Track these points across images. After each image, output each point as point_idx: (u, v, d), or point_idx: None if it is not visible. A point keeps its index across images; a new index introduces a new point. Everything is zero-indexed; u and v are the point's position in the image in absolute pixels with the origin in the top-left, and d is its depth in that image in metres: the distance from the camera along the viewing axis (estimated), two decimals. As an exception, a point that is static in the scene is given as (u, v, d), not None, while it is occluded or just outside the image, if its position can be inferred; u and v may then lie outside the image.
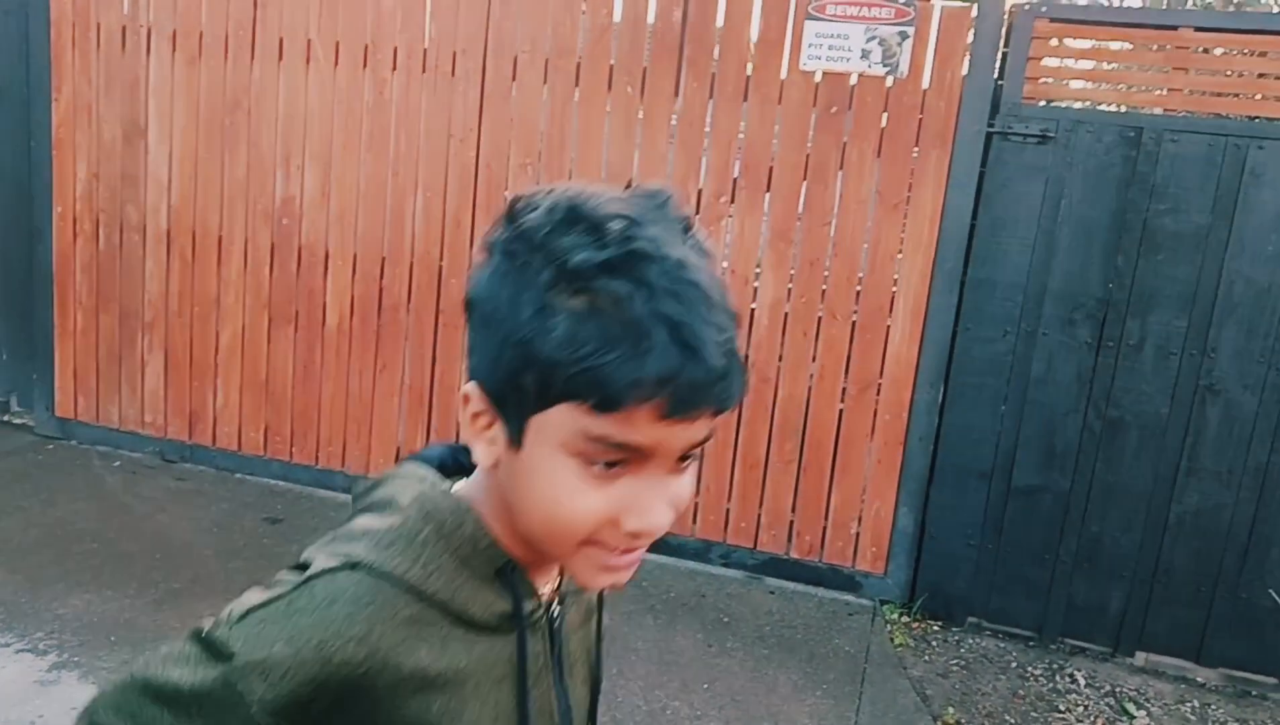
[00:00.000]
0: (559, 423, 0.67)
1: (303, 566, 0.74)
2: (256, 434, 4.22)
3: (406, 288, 3.96)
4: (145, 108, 4.14)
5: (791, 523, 3.70)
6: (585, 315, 0.65)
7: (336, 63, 3.89)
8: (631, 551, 0.72)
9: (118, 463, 4.23)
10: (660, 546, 3.75)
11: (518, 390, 0.68)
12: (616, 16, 3.59)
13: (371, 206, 3.94)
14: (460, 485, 0.80)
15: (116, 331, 4.32)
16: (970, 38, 3.31)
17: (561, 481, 0.68)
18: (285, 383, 4.15)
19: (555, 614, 0.82)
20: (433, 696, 0.74)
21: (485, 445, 0.73)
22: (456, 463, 0.84)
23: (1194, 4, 3.39)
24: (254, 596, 0.73)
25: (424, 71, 3.81)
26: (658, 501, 0.69)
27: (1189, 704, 3.17)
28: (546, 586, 0.81)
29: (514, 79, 3.73)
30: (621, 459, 0.67)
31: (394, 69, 3.84)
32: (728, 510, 3.74)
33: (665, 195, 0.71)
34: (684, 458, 0.71)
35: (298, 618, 0.69)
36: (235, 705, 0.69)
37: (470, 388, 0.73)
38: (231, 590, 3.14)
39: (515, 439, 0.70)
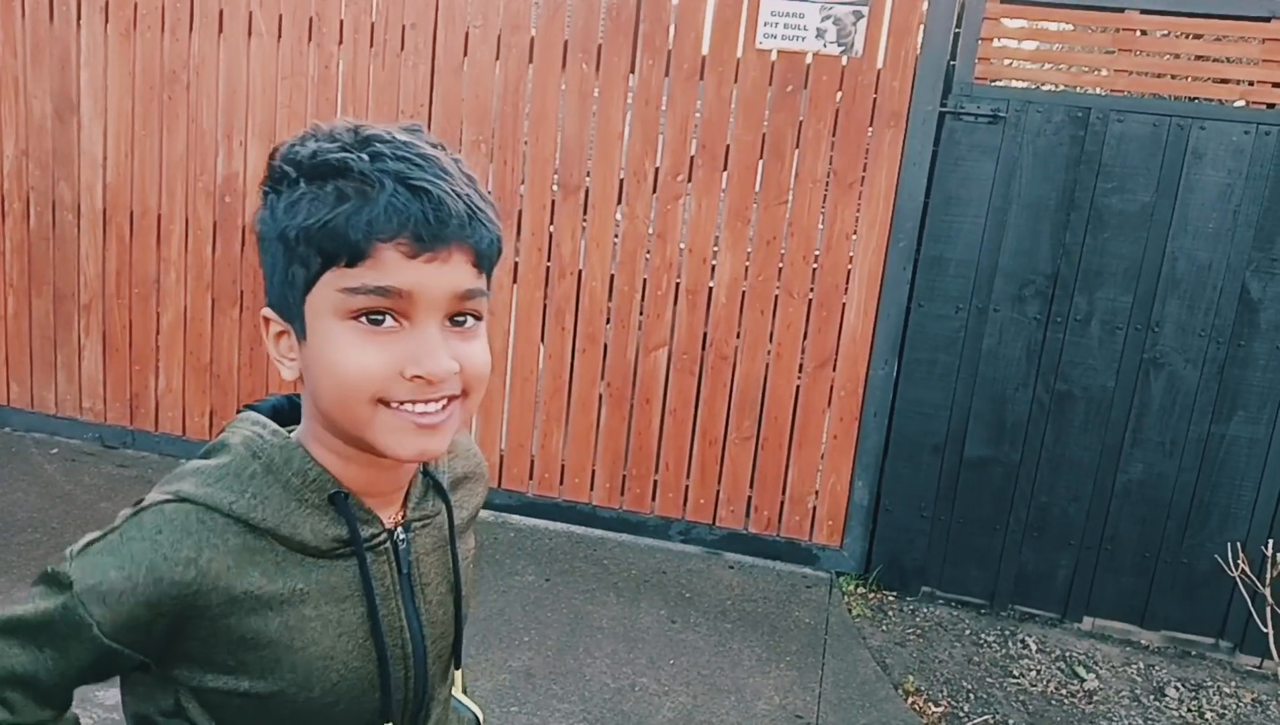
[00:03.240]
0: (324, 294, 0.75)
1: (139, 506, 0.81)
2: (201, 418, 4.11)
3: (357, 268, 3.88)
4: (77, 82, 3.97)
5: (750, 498, 3.73)
6: (321, 189, 0.74)
7: (280, 36, 3.78)
8: (426, 404, 0.77)
9: (55, 450, 4.09)
10: (620, 524, 3.77)
11: (290, 285, 0.77)
12: (571, -9, 3.54)
13: (319, 184, 3.84)
14: (296, 429, 0.87)
15: (51, 314, 4.16)
16: (924, 18, 3.34)
17: (339, 345, 0.75)
18: (230, 365, 4.05)
19: (401, 538, 0.88)
20: (270, 615, 0.80)
21: (288, 361, 0.82)
22: (294, 409, 0.91)
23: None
24: (92, 533, 0.80)
25: (371, 46, 3.72)
26: (434, 348, 0.75)
27: (1134, 665, 3.29)
28: (389, 512, 0.88)
29: (465, 54, 3.67)
30: (386, 309, 0.74)
31: (340, 43, 3.74)
32: (687, 487, 3.76)
33: (416, 125, 0.81)
34: (461, 317, 0.78)
35: (129, 545, 0.77)
36: (78, 628, 0.76)
37: (265, 311, 0.82)
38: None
39: (300, 332, 0.79)
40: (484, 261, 0.78)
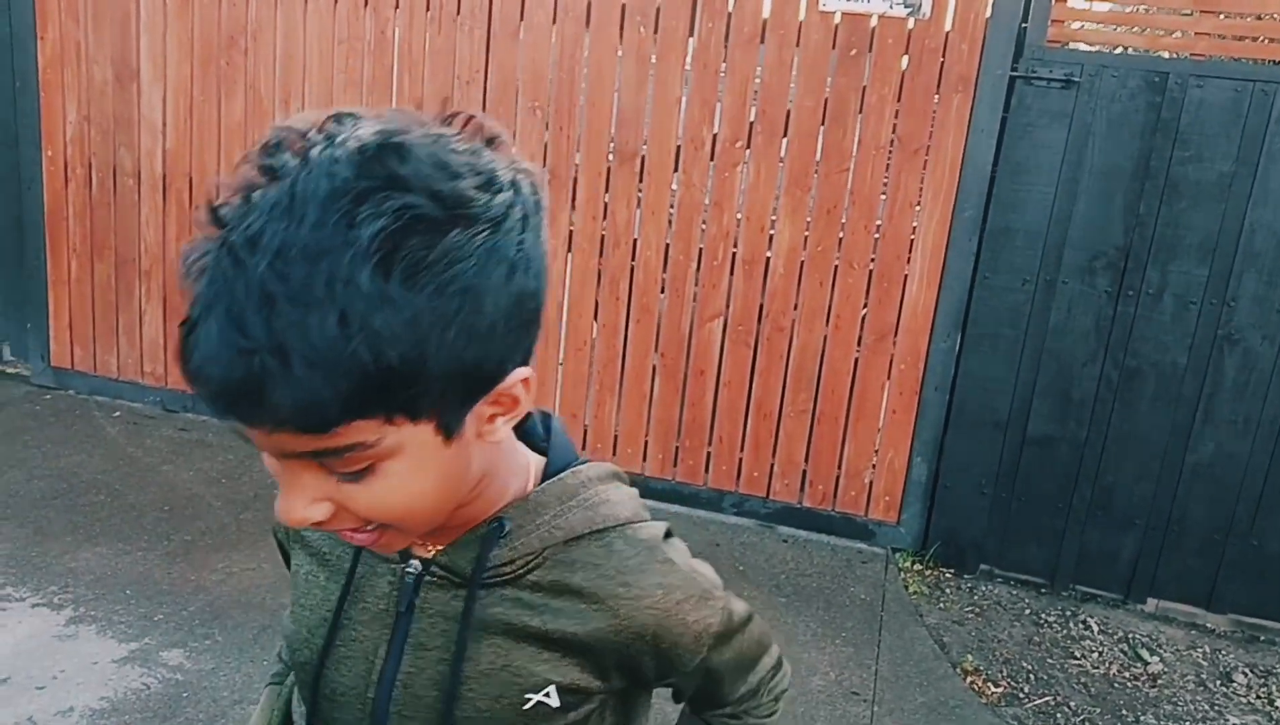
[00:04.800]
0: None
1: None
2: (259, 384, 4.14)
3: (412, 235, 3.87)
4: (137, 48, 3.99)
5: (805, 472, 3.69)
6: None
7: (336, 1, 3.76)
8: (337, 530, 0.65)
9: (118, 413, 4.16)
10: (673, 495, 3.75)
11: None
12: (630, -47, 3.47)
13: (375, 151, 3.84)
14: None
15: (113, 279, 4.22)
16: (996, -22, 3.22)
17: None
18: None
19: (412, 567, 0.76)
20: (302, 557, 0.83)
21: None
22: None
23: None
24: None
25: (428, 10, 3.69)
26: (290, 494, 0.62)
27: (1200, 649, 3.21)
28: (429, 544, 0.76)
29: (521, 19, 3.62)
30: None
31: (396, 8, 3.71)
32: (740, 460, 3.72)
33: (371, 140, 0.57)
34: (346, 468, 0.60)
35: None
36: None
37: None
38: (244, 543, 3.13)
39: None
40: (314, 425, 0.56)
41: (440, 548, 0.75)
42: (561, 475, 0.77)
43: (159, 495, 3.45)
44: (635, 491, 0.82)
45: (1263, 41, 3.14)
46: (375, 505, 0.63)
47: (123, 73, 4.03)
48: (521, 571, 0.74)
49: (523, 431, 0.79)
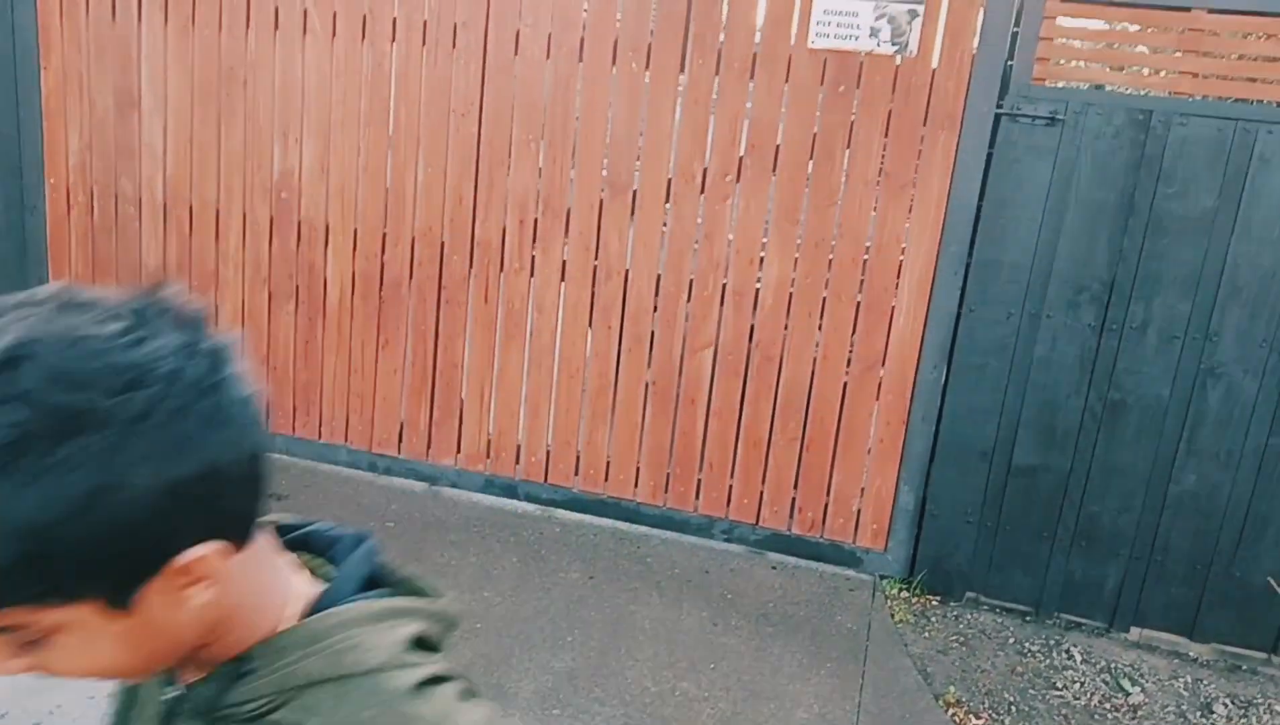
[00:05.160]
0: None
1: None
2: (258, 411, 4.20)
3: (408, 264, 3.94)
4: (138, 78, 4.06)
5: (794, 499, 3.74)
6: None
7: (334, 34, 3.82)
8: None
9: (119, 437, 4.22)
10: (664, 521, 3.81)
11: None
12: (621, -10, 3.52)
13: (372, 181, 3.90)
14: None
15: (114, 305, 4.28)
16: (980, 17, 3.27)
17: None
18: (287, 358, 4.14)
19: (170, 695, 0.77)
20: None
21: None
22: None
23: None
24: None
25: (424, 44, 3.75)
26: None
27: (1182, 679, 3.26)
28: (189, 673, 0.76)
29: (516, 53, 3.67)
30: None
31: (393, 41, 3.77)
32: (730, 487, 3.78)
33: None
34: (16, 641, 0.63)
35: None
36: None
37: None
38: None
39: None
40: None
41: (200, 676, 0.76)
42: (316, 617, 0.74)
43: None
44: (412, 631, 0.77)
45: (1245, 81, 3.17)
46: (63, 668, 0.65)
47: (124, 102, 4.09)
48: (264, 710, 0.74)
49: (329, 554, 0.82)
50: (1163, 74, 3.24)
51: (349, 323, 4.04)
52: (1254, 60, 3.14)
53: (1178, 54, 3.19)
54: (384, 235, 3.93)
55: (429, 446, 4.06)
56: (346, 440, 4.13)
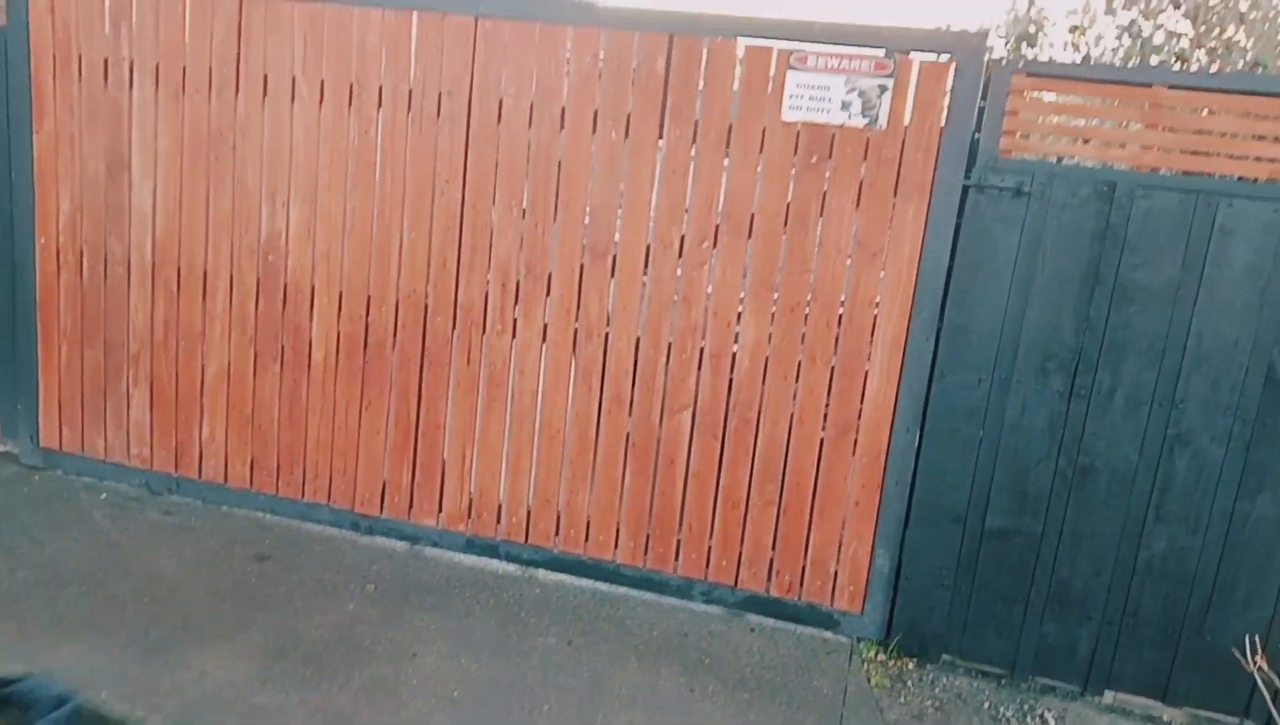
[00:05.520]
0: None
1: None
2: (243, 467, 4.25)
3: (392, 325, 4.00)
4: (129, 141, 4.14)
5: (771, 560, 3.77)
6: None
7: (321, 101, 3.91)
8: None
9: (104, 495, 4.25)
10: (644, 582, 3.84)
11: None
12: (601, 63, 3.61)
13: (357, 244, 3.97)
14: None
15: (102, 363, 4.34)
16: (948, 92, 3.36)
17: None
18: (271, 417, 4.18)
19: None
20: None
21: None
22: None
23: (1192, 59, 3.48)
24: None
25: (409, 112, 3.83)
26: None
27: (1154, 744, 3.28)
28: None
29: (499, 121, 3.76)
30: None
31: (379, 108, 3.86)
32: (709, 548, 3.81)
33: None
34: None
35: None
36: None
37: None
38: (220, 637, 3.21)
39: None
40: None
41: None
42: None
43: (140, 585, 3.54)
44: None
45: (1205, 155, 3.26)
46: None
47: (114, 165, 4.17)
48: None
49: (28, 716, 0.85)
50: (1126, 147, 3.32)
51: (333, 383, 4.09)
52: (1213, 135, 3.23)
53: (1140, 128, 3.28)
54: (369, 297, 4.00)
55: (411, 506, 4.09)
56: (329, 499, 4.16)
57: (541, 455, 3.94)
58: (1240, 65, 3.81)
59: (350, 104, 3.88)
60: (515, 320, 3.89)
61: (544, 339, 3.87)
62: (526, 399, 3.93)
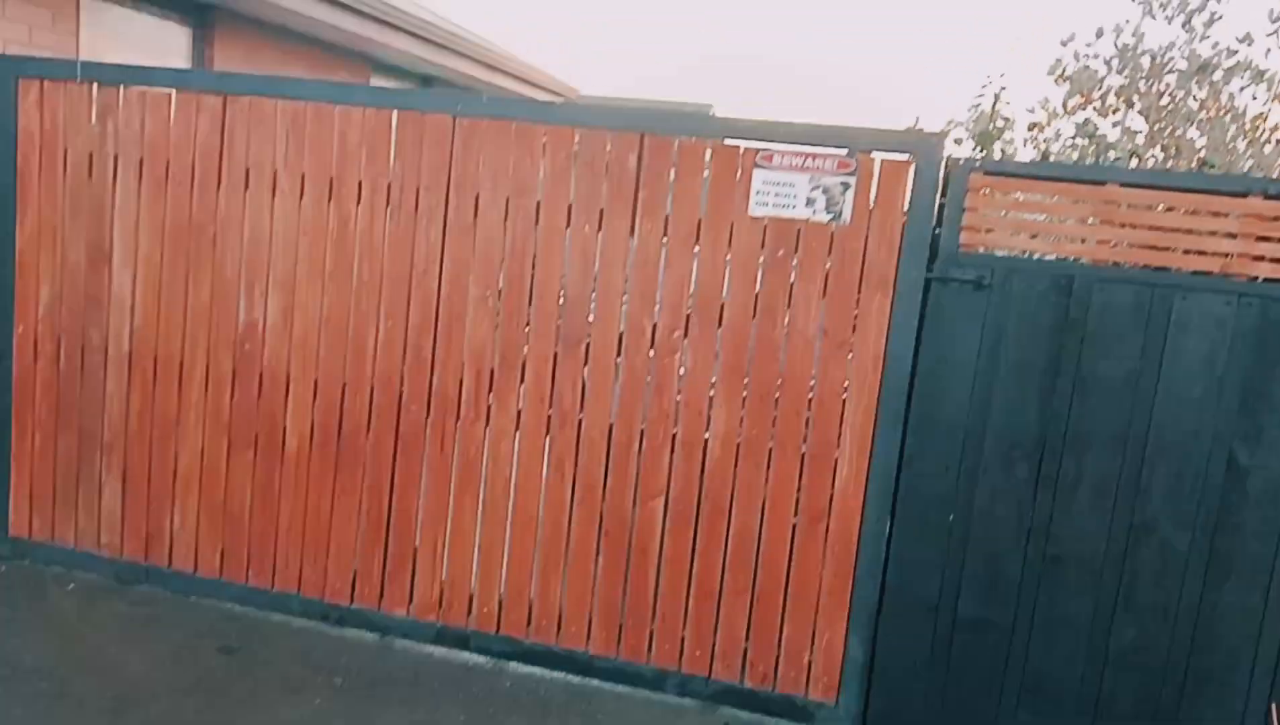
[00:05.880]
0: None
1: None
2: (213, 556, 4.22)
3: (366, 413, 4.02)
4: (110, 232, 4.21)
5: (745, 651, 3.75)
6: None
7: (302, 194, 3.99)
8: None
9: (72, 585, 4.20)
10: (617, 674, 3.80)
11: None
12: (575, 159, 3.72)
13: (333, 333, 4.02)
14: None
15: (75, 451, 4.33)
16: (909, 189, 3.47)
17: None
18: (243, 505, 4.17)
19: None
20: None
21: None
22: None
23: (1146, 156, 3.63)
24: None
25: (388, 205, 3.92)
26: None
27: (1131, 840, 3.23)
28: None
29: (476, 216, 3.85)
30: None
31: (358, 202, 3.95)
32: (683, 639, 3.79)
33: None
34: None
35: None
36: None
37: None
38: (183, 737, 3.13)
39: None
40: None
41: None
42: None
43: (105, 681, 3.48)
44: None
45: (1158, 250, 3.36)
46: None
47: (95, 255, 4.23)
48: None
49: None
50: (1083, 242, 3.43)
51: (306, 471, 4.10)
52: (1166, 231, 3.34)
53: (1095, 223, 3.39)
54: (344, 385, 4.03)
55: (382, 596, 4.06)
56: (299, 589, 4.12)
57: (514, 544, 3.93)
58: (1193, 163, 3.95)
59: (330, 197, 3.97)
60: (489, 408, 3.92)
61: (517, 426, 3.90)
62: (499, 487, 3.94)
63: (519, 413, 3.89)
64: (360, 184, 3.94)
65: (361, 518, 4.07)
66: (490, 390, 3.92)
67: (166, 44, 7.19)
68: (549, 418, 3.86)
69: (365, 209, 3.94)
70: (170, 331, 4.18)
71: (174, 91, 4.07)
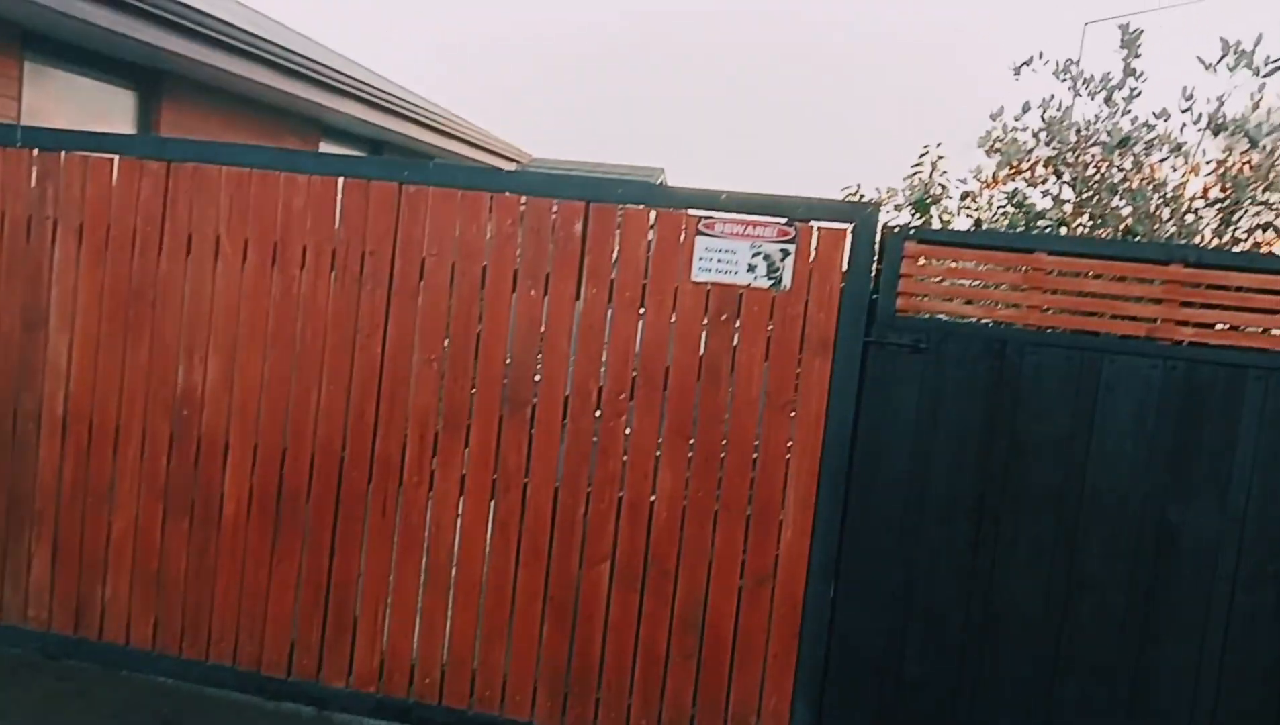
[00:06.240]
0: None
1: None
2: (146, 628, 4.09)
3: (307, 478, 3.96)
4: (47, 296, 4.14)
5: (693, 717, 3.71)
6: None
7: (244, 259, 3.98)
8: None
9: (-6, 661, 4.04)
10: (561, 745, 3.72)
11: None
12: (521, 226, 3.76)
13: (274, 398, 3.97)
14: None
15: (3, 522, 4.20)
16: (847, 256, 3.56)
17: None
18: (178, 574, 4.06)
19: None
20: None
21: None
22: None
23: (1074, 224, 3.77)
24: None
25: (332, 270, 3.92)
26: None
27: None
28: None
29: (421, 280, 3.86)
30: None
31: (302, 267, 3.94)
32: (629, 706, 3.74)
33: None
34: None
35: None
36: None
37: None
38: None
39: None
40: None
41: None
42: None
43: (23, 761, 3.34)
44: None
45: (1089, 315, 3.47)
46: None
47: (32, 320, 4.15)
48: None
49: None
50: (1015, 307, 3.53)
51: (243, 539, 4.01)
52: (1094, 296, 3.45)
53: (1025, 289, 3.50)
54: (284, 451, 3.97)
55: (320, 667, 3.96)
56: (235, 661, 4.01)
57: (457, 611, 3.87)
58: (1118, 231, 4.10)
59: (273, 262, 3.96)
60: (433, 472, 3.89)
61: (461, 491, 3.87)
62: (443, 552, 3.89)
63: (463, 477, 3.87)
64: (305, 248, 3.94)
65: (300, 586, 3.98)
66: (434, 454, 3.89)
67: (112, 109, 7.19)
68: (494, 481, 3.84)
69: (309, 273, 3.93)
70: (106, 397, 4.10)
71: (116, 157, 4.05)
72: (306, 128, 9.59)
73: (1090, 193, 4.32)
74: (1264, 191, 3.84)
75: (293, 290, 3.95)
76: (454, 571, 3.87)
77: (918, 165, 4.93)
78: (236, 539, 4.02)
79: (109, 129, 6.97)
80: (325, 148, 10.01)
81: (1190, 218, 4.00)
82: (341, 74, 8.78)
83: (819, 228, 3.57)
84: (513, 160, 13.86)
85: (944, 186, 4.86)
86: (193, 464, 4.04)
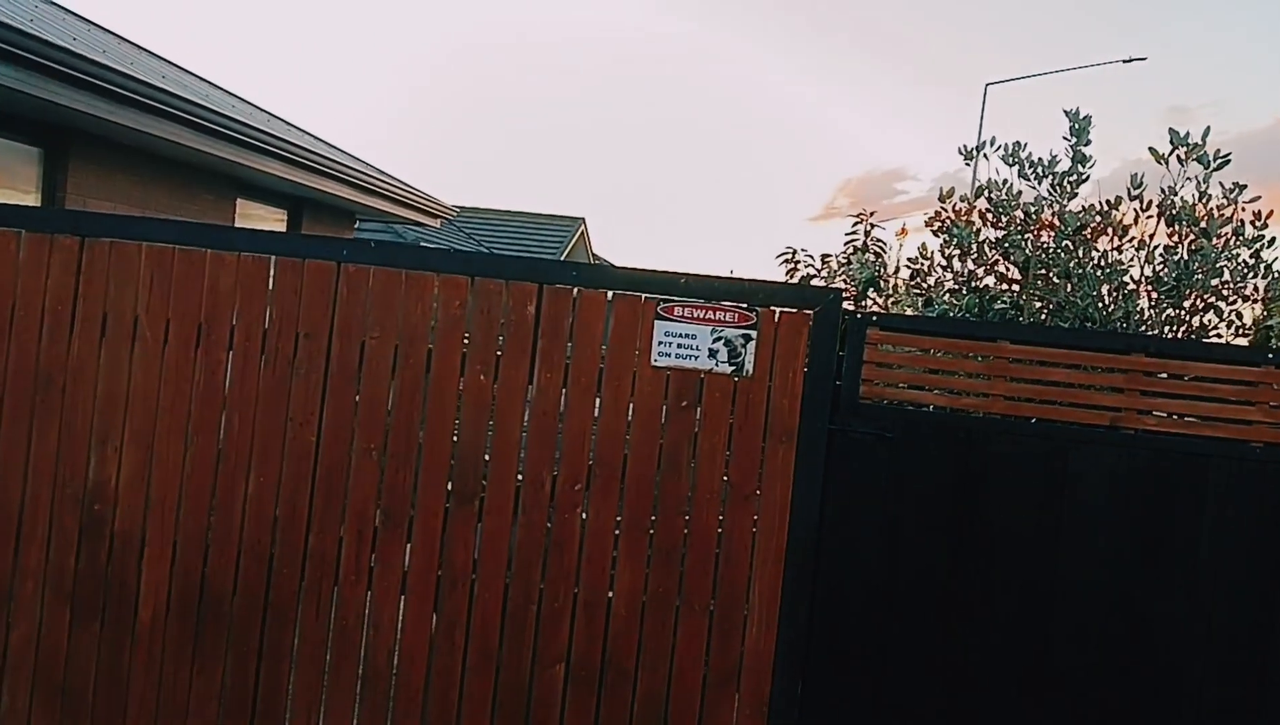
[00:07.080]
0: None
1: None
2: (47, 747, 3.69)
3: (232, 578, 3.66)
4: (-60, 380, 3.77)
5: (653, 830, 3.49)
6: None
7: (165, 341, 3.69)
8: None
9: None
10: None
11: None
12: (470, 309, 3.58)
13: (197, 491, 3.67)
14: None
15: (-119, 631, 3.76)
16: (809, 342, 3.47)
17: None
18: (86, 686, 3.69)
19: None
20: None
21: None
22: None
23: (1027, 309, 3.76)
24: None
25: (262, 353, 3.66)
26: None
27: None
28: None
29: (360, 364, 3.63)
30: None
31: (229, 350, 3.67)
32: (585, 820, 3.51)
33: None
34: None
35: None
36: None
37: None
38: None
39: None
40: None
41: None
42: None
43: None
44: None
45: (1049, 404, 3.44)
46: None
47: (-79, 406, 3.77)
48: None
49: None
50: (980, 395, 3.48)
51: (160, 645, 3.67)
52: (1054, 386, 3.43)
53: (988, 378, 3.45)
54: (207, 548, 3.66)
55: (246, 788, 3.62)
56: (149, 783, 3.64)
57: (397, 720, 3.59)
58: (1073, 318, 4.12)
59: (198, 345, 3.68)
60: (371, 569, 3.63)
61: (403, 589, 3.62)
62: (381, 657, 3.62)
63: (405, 574, 3.62)
64: (233, 330, 3.67)
65: (224, 697, 3.65)
66: (373, 550, 3.63)
67: (14, 169, 6.77)
68: (438, 579, 3.60)
69: (238, 356, 3.67)
70: (8, 491, 3.74)
71: (23, 232, 3.74)
72: (223, 185, 9.23)
73: (1040, 276, 4.33)
74: (1209, 278, 3.90)
75: (219, 374, 3.68)
76: (394, 680, 3.60)
77: (852, 234, 4.91)
78: (153, 646, 3.67)
79: (12, 189, 6.56)
80: (243, 205, 9.64)
81: (1141, 302, 4.04)
82: (259, 130, 8.47)
83: (781, 313, 3.48)
84: (436, 215, 13.63)
85: (883, 261, 4.84)
86: (104, 563, 3.70)
